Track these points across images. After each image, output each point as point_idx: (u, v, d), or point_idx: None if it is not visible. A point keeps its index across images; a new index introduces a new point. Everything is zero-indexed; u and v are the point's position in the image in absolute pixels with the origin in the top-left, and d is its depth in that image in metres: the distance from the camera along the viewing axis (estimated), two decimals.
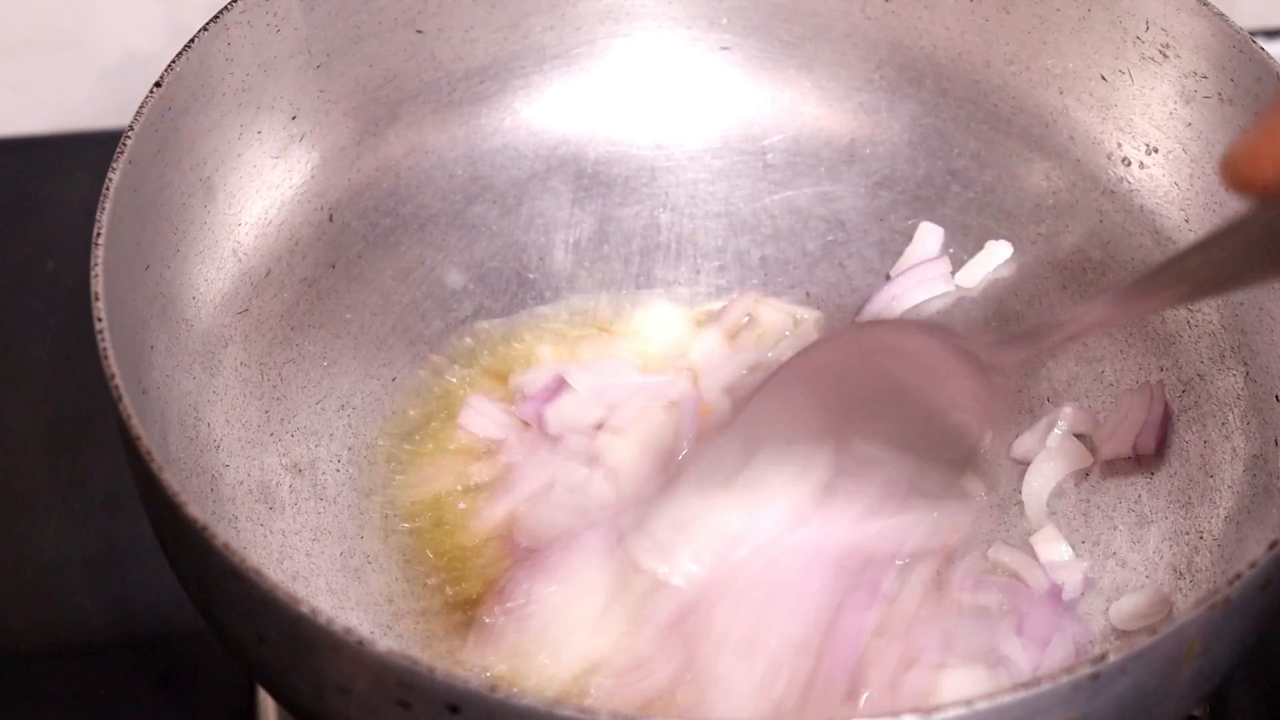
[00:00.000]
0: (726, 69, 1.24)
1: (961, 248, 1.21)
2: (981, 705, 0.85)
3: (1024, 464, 1.13)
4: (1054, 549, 1.09)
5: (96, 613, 1.18)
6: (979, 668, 1.04)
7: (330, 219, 1.18)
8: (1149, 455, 1.11)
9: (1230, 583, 0.90)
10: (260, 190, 1.15)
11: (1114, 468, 1.12)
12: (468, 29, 1.19)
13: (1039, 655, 1.05)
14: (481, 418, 1.14)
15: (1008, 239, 1.20)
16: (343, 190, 1.18)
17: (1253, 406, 1.09)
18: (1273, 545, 0.91)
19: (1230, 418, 1.10)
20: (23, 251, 1.35)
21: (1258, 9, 1.41)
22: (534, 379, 1.15)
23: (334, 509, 1.10)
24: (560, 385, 1.14)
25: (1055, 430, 1.13)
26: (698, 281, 1.22)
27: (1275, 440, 1.07)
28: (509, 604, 1.05)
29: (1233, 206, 1.11)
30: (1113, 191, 1.18)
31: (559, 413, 1.14)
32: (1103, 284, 1.17)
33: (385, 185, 1.20)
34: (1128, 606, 1.07)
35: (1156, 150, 1.16)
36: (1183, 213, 1.15)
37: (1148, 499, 1.11)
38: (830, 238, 1.22)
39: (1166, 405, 1.12)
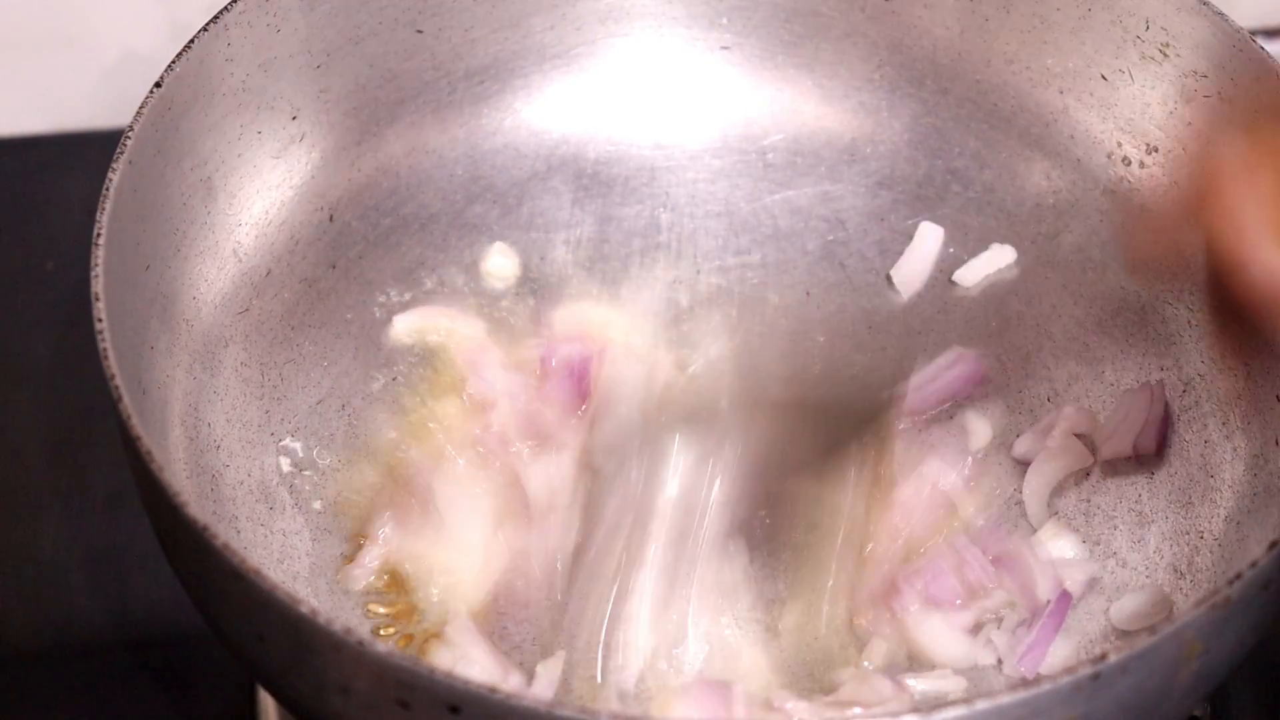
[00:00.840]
0: (727, 69, 1.24)
1: (962, 247, 1.20)
2: (981, 705, 0.85)
3: (1025, 464, 1.13)
4: (1057, 546, 1.09)
5: (96, 612, 1.18)
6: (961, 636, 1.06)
7: (331, 219, 1.18)
8: (1150, 455, 1.11)
9: (1231, 582, 0.90)
10: (261, 190, 1.15)
11: (1114, 467, 1.12)
12: (468, 29, 1.19)
13: (1033, 657, 1.05)
14: (489, 385, 1.14)
15: (1008, 238, 1.20)
16: (343, 190, 1.18)
17: (1253, 406, 1.09)
18: (1273, 545, 0.91)
19: (1231, 417, 1.10)
20: (23, 251, 1.35)
21: (1258, 8, 1.41)
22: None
23: (334, 509, 1.10)
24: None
25: (1055, 430, 1.13)
26: (698, 281, 1.21)
27: (1276, 440, 1.07)
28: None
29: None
30: (1113, 191, 1.18)
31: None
32: (1103, 284, 1.17)
33: (386, 185, 1.19)
34: (1128, 606, 1.06)
35: (1157, 150, 1.16)
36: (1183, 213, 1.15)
37: (1148, 499, 1.11)
38: (830, 237, 1.22)
39: (1167, 405, 1.12)
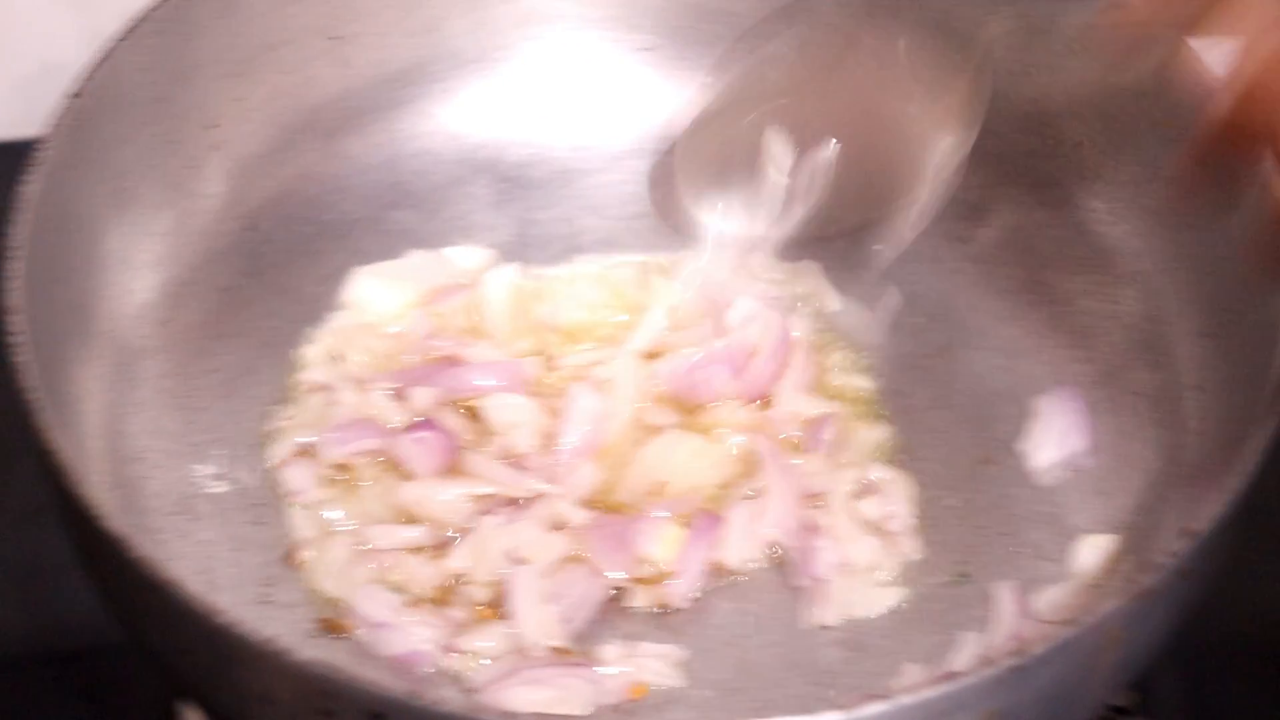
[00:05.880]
0: (646, 70, 1.24)
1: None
2: (904, 699, 0.85)
3: None
4: None
5: (17, 626, 1.17)
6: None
7: (250, 228, 1.17)
8: (1081, 454, 1.11)
9: (1150, 573, 0.90)
10: (177, 200, 1.14)
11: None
12: (383, 34, 1.19)
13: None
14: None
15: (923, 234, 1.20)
16: (262, 199, 1.18)
17: (1169, 396, 1.10)
18: (1188, 533, 0.92)
19: (1147, 408, 1.10)
20: None
21: None
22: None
23: (256, 518, 1.10)
24: None
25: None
26: None
27: (1191, 429, 1.08)
28: None
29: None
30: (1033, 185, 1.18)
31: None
32: (1019, 278, 1.17)
33: (305, 193, 1.19)
34: (1049, 598, 1.07)
35: (1080, 144, 1.16)
36: None
37: (1067, 490, 1.11)
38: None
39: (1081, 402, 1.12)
